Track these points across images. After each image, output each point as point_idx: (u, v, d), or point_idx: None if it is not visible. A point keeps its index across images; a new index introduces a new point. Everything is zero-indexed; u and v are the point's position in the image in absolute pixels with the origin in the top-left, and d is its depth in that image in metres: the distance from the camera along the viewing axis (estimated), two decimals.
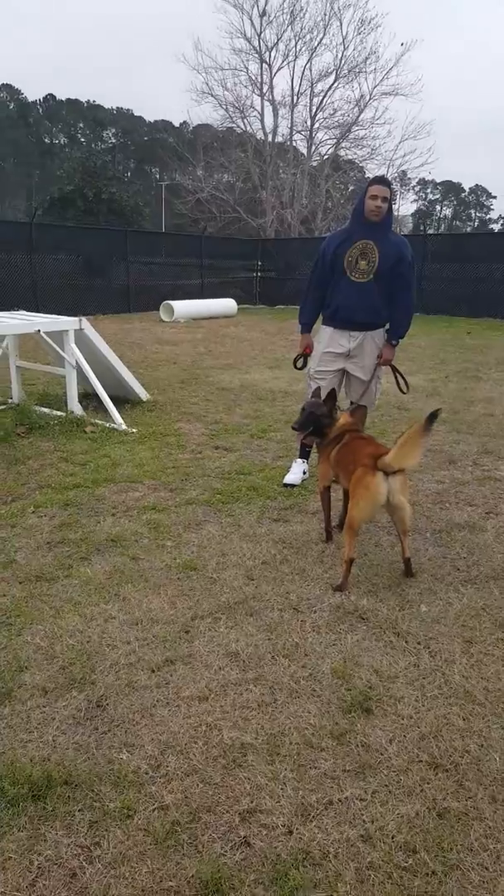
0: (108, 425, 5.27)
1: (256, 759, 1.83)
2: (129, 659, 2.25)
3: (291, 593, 2.72)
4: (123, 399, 6.05)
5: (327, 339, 3.85)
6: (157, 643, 2.35)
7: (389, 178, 4.25)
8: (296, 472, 4.10)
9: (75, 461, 4.38)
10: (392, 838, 1.59)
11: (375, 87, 24.85)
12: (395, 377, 3.90)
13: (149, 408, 6.01)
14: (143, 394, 6.20)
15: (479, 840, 1.59)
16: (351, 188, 31.88)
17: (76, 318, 5.36)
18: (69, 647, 2.32)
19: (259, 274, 20.88)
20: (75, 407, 5.47)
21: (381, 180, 3.62)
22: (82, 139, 63.05)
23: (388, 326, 3.83)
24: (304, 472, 4.11)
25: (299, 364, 4.06)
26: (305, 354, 4.00)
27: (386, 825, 1.63)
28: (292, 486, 4.00)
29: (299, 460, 4.15)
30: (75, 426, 5.13)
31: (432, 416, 2.60)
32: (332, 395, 3.28)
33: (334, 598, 2.68)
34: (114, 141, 65.40)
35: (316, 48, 24.62)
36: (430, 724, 1.96)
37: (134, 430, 5.20)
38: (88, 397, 5.86)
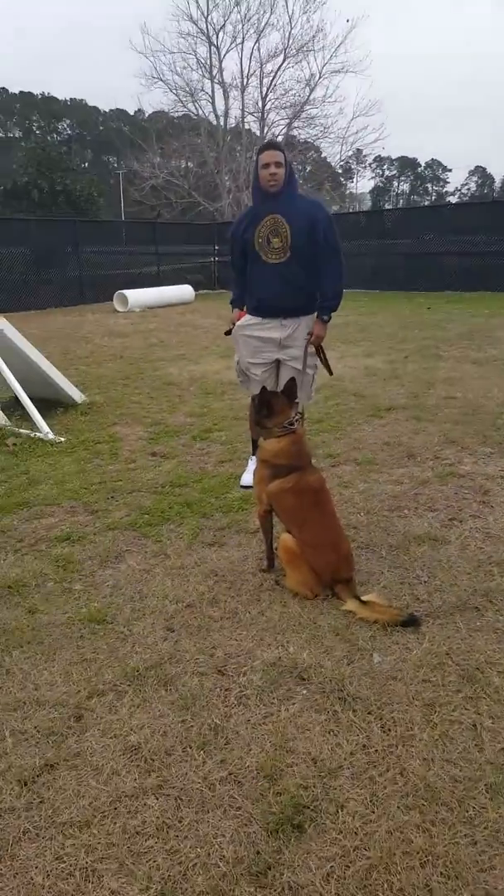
0: (33, 435, 4.69)
1: None
2: None
3: (218, 648, 2.21)
4: (56, 402, 5.47)
5: (257, 324, 3.35)
6: (39, 738, 1.83)
7: (278, 141, 3.76)
8: (252, 471, 3.60)
9: None
10: None
11: (325, 65, 24.64)
12: (321, 357, 3.40)
13: (83, 410, 5.44)
14: (78, 395, 5.62)
15: None
16: (308, 168, 31.10)
17: None
18: None
19: (216, 258, 20.14)
20: None
21: (269, 145, 3.17)
22: (37, 131, 61.03)
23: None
24: None
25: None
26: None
27: None
28: (250, 487, 3.51)
29: (254, 458, 3.65)
30: None
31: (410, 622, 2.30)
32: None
33: (269, 652, 2.18)
34: (69, 132, 63.72)
35: (263, 29, 23.95)
36: (381, 845, 1.47)
37: (62, 440, 4.64)
38: (18, 404, 5.25)
